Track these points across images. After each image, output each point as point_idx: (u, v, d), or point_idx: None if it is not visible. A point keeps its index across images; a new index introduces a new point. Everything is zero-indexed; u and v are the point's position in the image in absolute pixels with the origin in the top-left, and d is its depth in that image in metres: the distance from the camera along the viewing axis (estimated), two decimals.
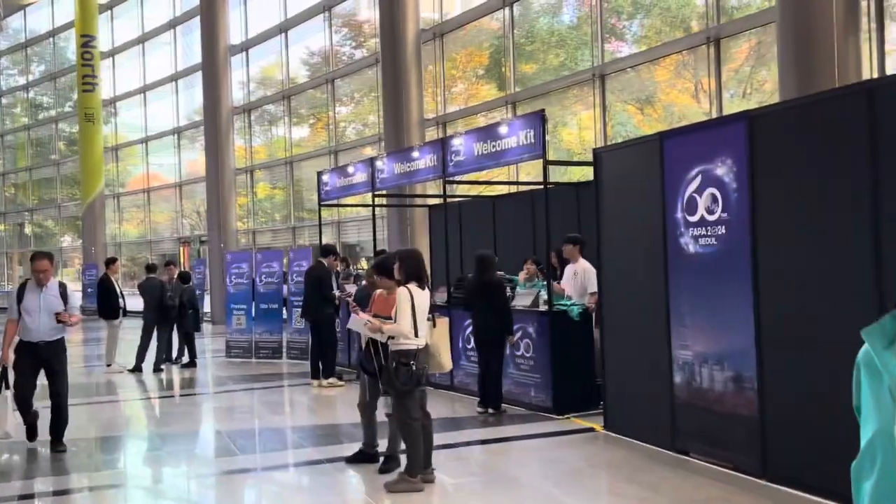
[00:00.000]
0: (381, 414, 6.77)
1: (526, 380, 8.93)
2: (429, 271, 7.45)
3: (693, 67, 13.70)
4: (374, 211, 13.41)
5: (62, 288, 7.54)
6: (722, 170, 6.22)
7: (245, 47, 24.23)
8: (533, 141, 8.64)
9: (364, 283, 9.96)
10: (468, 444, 7.71)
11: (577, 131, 16.25)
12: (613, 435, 7.52)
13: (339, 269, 12.47)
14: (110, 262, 14.21)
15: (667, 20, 14.51)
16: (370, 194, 12.48)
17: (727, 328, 6.21)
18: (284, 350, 14.01)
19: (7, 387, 7.50)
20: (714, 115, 11.83)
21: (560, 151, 15.91)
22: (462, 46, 18.27)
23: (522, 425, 8.27)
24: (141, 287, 13.67)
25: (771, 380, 5.83)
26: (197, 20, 24.48)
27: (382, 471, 6.47)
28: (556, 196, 9.12)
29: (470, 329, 9.35)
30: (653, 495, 5.83)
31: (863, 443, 1.45)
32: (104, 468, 7.41)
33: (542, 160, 8.65)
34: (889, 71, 9.34)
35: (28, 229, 37.02)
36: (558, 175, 13.19)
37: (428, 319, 6.03)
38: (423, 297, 5.95)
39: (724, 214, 6.21)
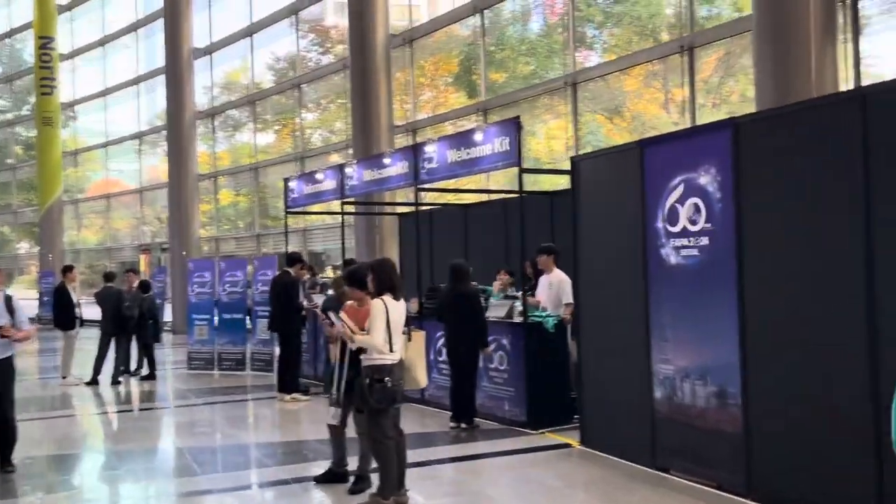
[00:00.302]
0: (351, 430, 6.47)
1: (500, 393, 8.68)
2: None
3: (662, 77, 13.63)
4: (342, 218, 13.09)
5: (7, 301, 7.10)
6: (705, 179, 6.04)
7: (209, 51, 23.78)
8: (508, 148, 8.42)
9: (332, 292, 9.65)
10: (440, 461, 7.42)
11: (545, 141, 16.11)
12: (590, 451, 7.30)
13: (305, 278, 12.11)
14: (67, 269, 13.72)
15: (637, 30, 14.44)
16: (339, 202, 12.16)
17: (710, 342, 6.02)
18: (248, 362, 13.61)
19: None
20: (688, 125, 11.71)
21: (528, 161, 15.70)
22: (430, 54, 18.05)
23: (496, 441, 8.01)
24: (98, 296, 13.20)
25: (756, 395, 5.65)
26: (160, 22, 23.97)
27: (353, 491, 6.17)
28: (529, 205, 8.90)
29: (442, 341, 9.08)
30: None
31: None
32: (57, 489, 6.99)
33: (517, 168, 8.43)
34: (864, 81, 9.27)
35: None
36: (528, 185, 12.98)
37: (403, 333, 5.74)
38: (398, 310, 5.66)
39: (708, 225, 6.03)
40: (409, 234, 13.21)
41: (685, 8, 12.16)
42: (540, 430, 8.18)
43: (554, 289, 8.92)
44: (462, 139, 9.21)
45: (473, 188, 13.64)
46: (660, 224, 6.48)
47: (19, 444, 7.32)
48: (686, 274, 6.23)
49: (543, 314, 8.64)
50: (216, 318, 14.01)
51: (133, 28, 27.38)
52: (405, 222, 13.98)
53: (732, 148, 5.78)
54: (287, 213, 13.90)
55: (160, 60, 24.42)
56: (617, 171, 7.12)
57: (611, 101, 14.64)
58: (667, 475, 6.39)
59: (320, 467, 6.74)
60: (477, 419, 8.54)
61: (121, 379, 12.85)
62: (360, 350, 5.76)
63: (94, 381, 12.63)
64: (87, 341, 14.18)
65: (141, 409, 11.27)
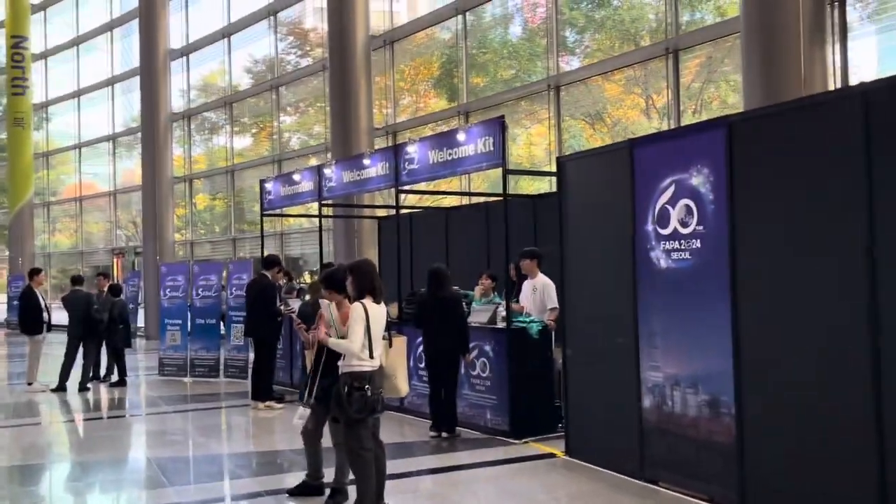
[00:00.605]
0: (327, 439, 6.18)
1: (482, 401, 8.41)
2: None
3: (643, 83, 13.49)
4: (320, 221, 12.79)
5: None
6: (698, 180, 5.83)
7: (186, 52, 23.37)
8: (492, 149, 8.18)
9: (308, 297, 9.36)
10: (420, 473, 7.15)
11: (526, 147, 15.91)
12: (576, 461, 7.06)
13: (281, 282, 11.78)
14: (34, 273, 13.30)
15: (620, 34, 14.29)
16: (316, 204, 11.87)
17: (702, 348, 5.80)
18: (222, 368, 13.25)
19: None
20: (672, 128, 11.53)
21: (509, 165, 15.50)
22: (411, 58, 17.80)
23: (478, 451, 7.75)
24: (65, 300, 12.79)
25: (751, 405, 5.43)
26: (136, 23, 23.55)
27: None
28: (512, 209, 8.63)
29: (421, 347, 8.80)
30: None
31: None
32: (21, 501, 6.62)
33: (501, 169, 8.19)
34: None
35: None
36: (510, 189, 12.76)
37: (384, 338, 5.46)
38: (378, 314, 5.37)
39: (700, 227, 5.81)
40: (389, 237, 12.94)
41: (670, 10, 11.99)
42: (523, 440, 7.93)
43: (538, 293, 8.69)
44: (444, 139, 8.96)
45: (455, 191, 13.39)
46: (649, 226, 6.26)
47: None
48: (677, 278, 6.01)
49: (527, 319, 8.40)
50: (189, 323, 13.64)
51: (108, 28, 26.90)
52: (385, 226, 13.70)
53: (726, 148, 5.57)
54: (263, 215, 13.57)
55: (135, 61, 23.98)
56: (605, 171, 6.90)
57: (592, 105, 14.47)
58: (656, 487, 6.16)
59: (295, 478, 6.44)
60: (458, 428, 8.27)
61: (89, 385, 12.45)
62: (338, 355, 5.47)
63: (61, 388, 12.22)
64: (55, 346, 13.74)
65: (109, 417, 10.89)
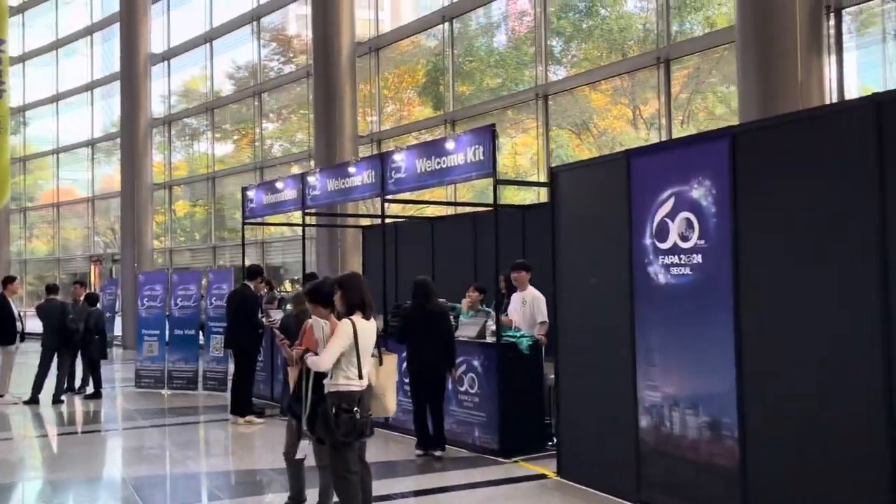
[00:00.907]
0: (310, 459, 5.89)
1: (470, 418, 8.16)
2: None
3: (631, 94, 13.34)
4: (304, 230, 12.50)
5: None
6: (699, 192, 5.62)
7: (167, 56, 23.02)
8: (482, 158, 7.94)
9: (290, 307, 9.08)
10: (404, 495, 6.82)
11: (511, 157, 15.72)
12: (568, 483, 6.81)
13: (263, 292, 11.47)
14: (8, 280, 12.88)
15: (608, 44, 14.14)
16: (300, 212, 11.58)
17: (703, 367, 5.58)
18: (201, 380, 12.90)
19: None
20: (663, 139, 11.37)
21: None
22: (394, 66, 17.57)
23: (466, 471, 7.48)
24: (40, 309, 12.42)
25: (754, 427, 5.21)
26: (116, 27, 23.17)
27: None
28: (500, 219, 8.35)
29: (406, 362, 8.53)
30: None
31: None
32: None
33: (491, 179, 7.96)
34: (847, 95, 9.00)
35: None
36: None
37: (373, 356, 5.18)
38: (368, 330, 5.09)
39: (701, 241, 5.60)
40: (373, 248, 12.68)
41: (662, 19, 11.84)
42: (513, 459, 7.68)
43: (528, 307, 8.46)
44: (433, 148, 8.72)
45: (442, 200, 13.15)
46: (647, 240, 6.04)
47: None
48: (676, 293, 5.79)
49: (517, 334, 8.15)
50: (167, 334, 13.29)
51: (88, 32, 26.47)
52: (369, 235, 13.43)
53: (730, 159, 5.37)
54: (245, 223, 13.26)
55: (115, 66, 23.59)
56: (600, 182, 6.68)
57: (579, 115, 14.30)
58: None
59: (277, 499, 6.15)
60: (446, 446, 8.00)
61: (63, 397, 12.08)
62: (323, 373, 5.19)
63: (33, 400, 11.84)
64: (29, 356, 13.34)
65: (84, 432, 10.54)
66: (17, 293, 12.96)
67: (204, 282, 13.86)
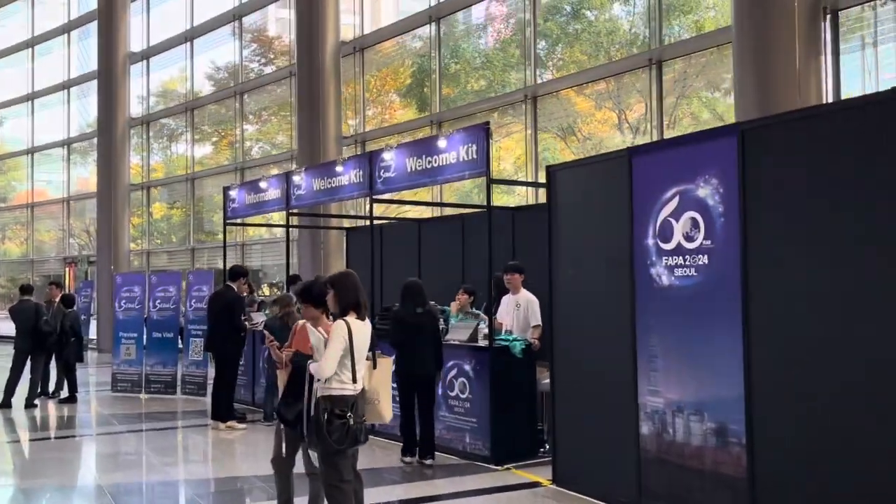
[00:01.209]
0: (300, 465, 5.63)
1: (461, 424, 7.92)
2: None
3: (616, 97, 13.21)
4: (288, 231, 12.21)
5: None
6: (705, 191, 5.44)
7: (146, 55, 22.62)
8: (475, 157, 7.72)
9: (274, 308, 8.80)
10: None
11: (495, 161, 15.53)
12: (564, 491, 6.60)
13: (244, 294, 11.16)
14: None
15: (594, 47, 14.01)
16: (283, 213, 11.29)
17: (709, 372, 5.39)
18: (179, 384, 12.56)
19: None
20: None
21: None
22: (377, 68, 17.32)
23: (456, 478, 7.24)
24: (12, 311, 12.03)
25: (763, 434, 5.02)
26: (94, 25, 22.74)
27: None
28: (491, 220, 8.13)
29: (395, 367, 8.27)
30: None
31: None
32: None
33: (485, 179, 7.74)
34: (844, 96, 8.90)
35: None
36: (482, 199, 12.36)
37: (368, 359, 4.93)
38: (363, 332, 4.83)
39: (708, 242, 5.41)
40: (357, 249, 12.42)
41: (654, 20, 11.71)
42: (505, 466, 7.46)
43: (521, 310, 8.24)
44: (424, 146, 8.49)
45: (432, 201, 12.92)
46: (650, 241, 5.85)
47: None
48: (681, 296, 5.60)
49: (510, 338, 7.93)
50: (145, 337, 12.94)
51: (65, 30, 25.98)
52: (353, 237, 13.17)
53: (738, 156, 5.19)
54: (226, 224, 12.94)
55: (93, 64, 23.15)
56: (600, 181, 6.49)
57: (565, 118, 14.15)
58: None
59: None
60: (435, 453, 7.76)
61: (36, 402, 11.70)
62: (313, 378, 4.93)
63: (5, 404, 11.44)
64: (1, 359, 12.94)
65: (58, 438, 10.17)
66: None
67: (183, 284, 13.52)
